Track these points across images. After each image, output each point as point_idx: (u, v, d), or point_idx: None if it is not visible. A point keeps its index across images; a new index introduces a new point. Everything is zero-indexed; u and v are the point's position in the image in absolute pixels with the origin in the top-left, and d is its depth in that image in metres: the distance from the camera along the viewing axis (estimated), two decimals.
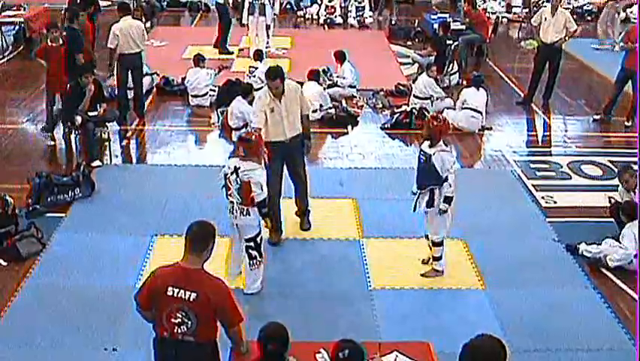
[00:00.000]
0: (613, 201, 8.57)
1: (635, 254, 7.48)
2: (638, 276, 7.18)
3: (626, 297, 7.18)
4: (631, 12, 20.91)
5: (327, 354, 5.03)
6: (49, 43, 10.74)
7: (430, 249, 7.39)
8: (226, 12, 16.10)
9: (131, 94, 11.70)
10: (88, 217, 8.43)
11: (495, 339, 3.82)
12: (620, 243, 7.63)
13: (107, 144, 10.22)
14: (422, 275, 7.33)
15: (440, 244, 7.24)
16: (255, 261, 6.88)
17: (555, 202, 9.25)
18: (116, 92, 11.73)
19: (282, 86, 7.52)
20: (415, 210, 7.23)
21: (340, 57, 13.28)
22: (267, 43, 15.97)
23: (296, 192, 8.16)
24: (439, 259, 7.30)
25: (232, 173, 6.67)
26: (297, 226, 8.23)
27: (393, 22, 19.59)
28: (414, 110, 11.73)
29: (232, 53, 16.04)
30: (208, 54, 13.93)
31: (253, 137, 6.85)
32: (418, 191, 7.14)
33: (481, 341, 3.81)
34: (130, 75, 11.49)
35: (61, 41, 10.80)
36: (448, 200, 6.98)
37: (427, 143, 7.05)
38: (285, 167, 7.86)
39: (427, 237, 7.37)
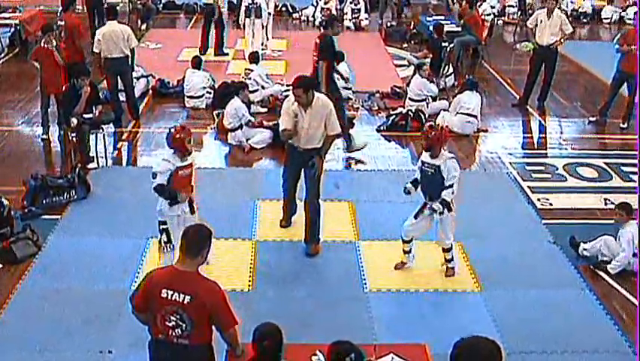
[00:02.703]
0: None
1: (634, 253, 7.47)
2: (638, 279, 7.20)
3: (622, 298, 7.19)
4: (626, 14, 21.01)
5: (323, 356, 5.03)
6: (44, 46, 10.72)
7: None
8: (219, 15, 15.99)
9: (123, 96, 11.69)
10: (83, 219, 8.43)
11: (489, 340, 3.60)
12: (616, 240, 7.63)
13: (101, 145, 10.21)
14: (446, 276, 7.36)
15: (452, 247, 7.34)
16: (164, 246, 6.77)
17: (551, 204, 9.26)
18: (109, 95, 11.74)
19: (304, 96, 7.32)
20: (416, 217, 7.22)
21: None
22: (264, 44, 15.96)
23: (305, 217, 7.86)
24: (451, 260, 7.39)
25: None
26: (292, 228, 8.23)
27: (388, 25, 19.61)
28: (410, 113, 11.74)
29: (227, 54, 16.04)
30: (204, 56, 13.90)
31: (175, 133, 6.68)
32: (430, 203, 7.11)
33: (474, 341, 3.59)
34: (119, 79, 11.51)
35: (55, 43, 10.78)
36: (445, 203, 7.00)
37: (427, 154, 7.05)
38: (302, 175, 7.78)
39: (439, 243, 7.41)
